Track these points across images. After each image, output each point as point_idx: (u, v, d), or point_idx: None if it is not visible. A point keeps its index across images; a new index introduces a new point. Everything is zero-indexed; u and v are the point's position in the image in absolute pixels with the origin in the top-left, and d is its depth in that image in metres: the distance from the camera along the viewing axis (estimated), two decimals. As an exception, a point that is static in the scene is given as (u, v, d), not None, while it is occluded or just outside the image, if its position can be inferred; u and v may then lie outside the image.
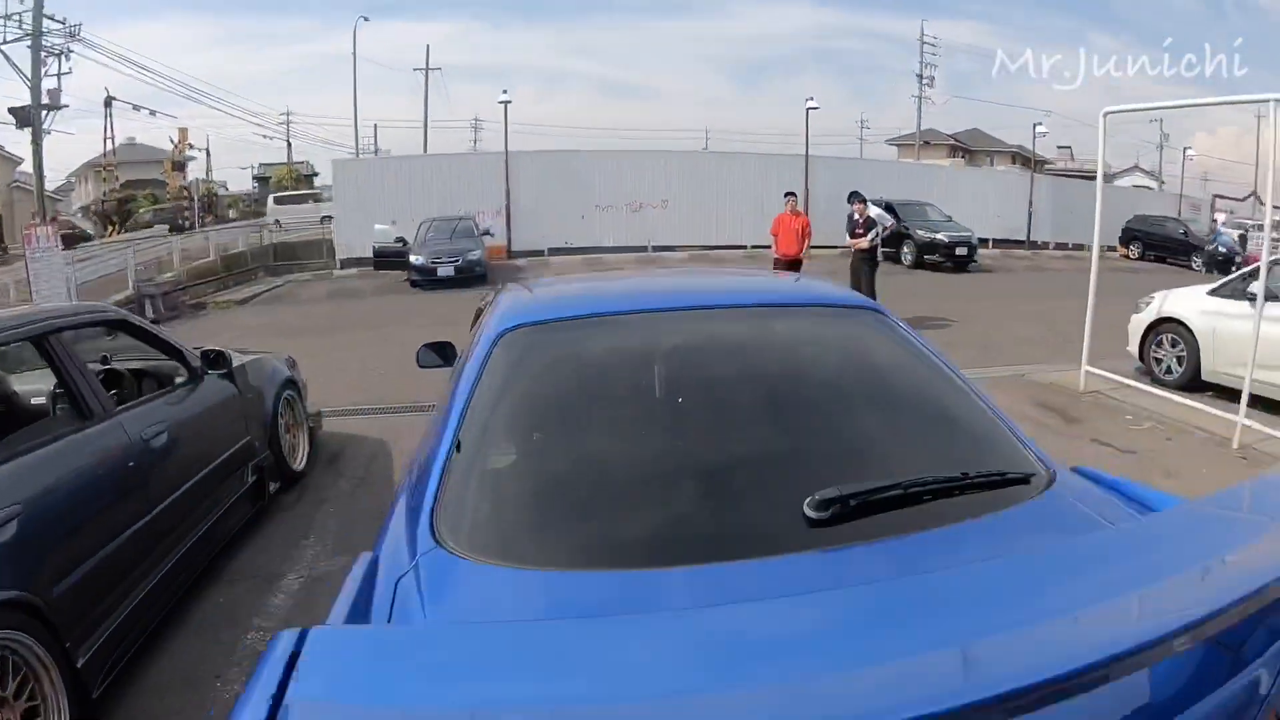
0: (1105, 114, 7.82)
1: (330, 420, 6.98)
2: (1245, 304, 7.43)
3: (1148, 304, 8.76)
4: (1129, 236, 26.30)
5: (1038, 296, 16.45)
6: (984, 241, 23.38)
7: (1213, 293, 8.07)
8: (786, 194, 13.06)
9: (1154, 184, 34.81)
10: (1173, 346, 8.36)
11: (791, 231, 12.18)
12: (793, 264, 12.12)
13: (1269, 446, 6.47)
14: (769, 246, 21.52)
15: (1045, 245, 27.76)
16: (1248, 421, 6.55)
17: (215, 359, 4.51)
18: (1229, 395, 7.66)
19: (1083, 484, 1.98)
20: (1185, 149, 35.15)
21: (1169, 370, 8.38)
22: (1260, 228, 32.70)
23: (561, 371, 2.41)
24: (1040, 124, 29.40)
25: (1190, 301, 8.26)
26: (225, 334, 12.89)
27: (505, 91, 25.25)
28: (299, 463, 5.72)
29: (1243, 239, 26.03)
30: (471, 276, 18.14)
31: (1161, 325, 8.47)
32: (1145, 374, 8.66)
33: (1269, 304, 6.98)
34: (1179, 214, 27.58)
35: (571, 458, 2.07)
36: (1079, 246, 27.88)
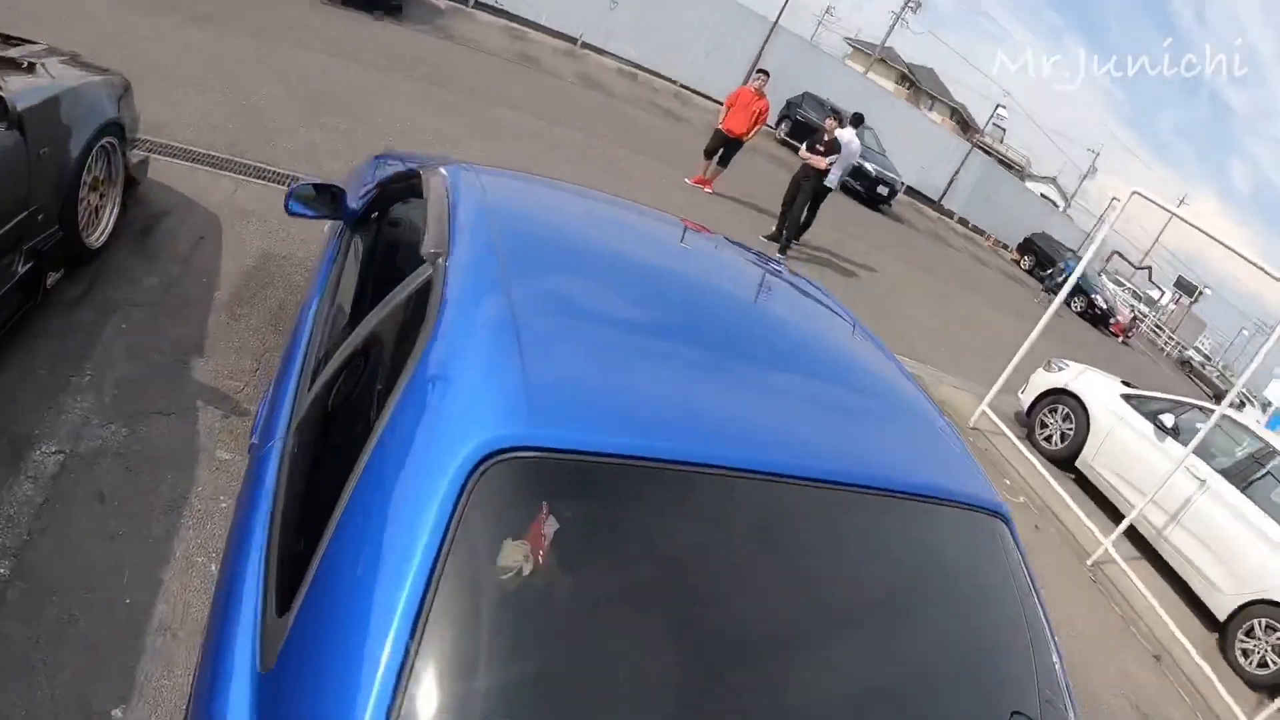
0: (1132, 193, 7.09)
1: (160, 165, 5.14)
2: (1149, 425, 7.38)
3: (1060, 368, 8.46)
4: (1028, 247, 26.79)
5: (938, 275, 16.20)
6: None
7: (1125, 397, 7.85)
8: (759, 70, 12.04)
9: (1060, 202, 35.27)
10: (1064, 421, 8.13)
11: (749, 110, 11.22)
12: (734, 142, 11.36)
13: (1111, 571, 6.60)
14: (705, 96, 19.90)
15: (951, 215, 27.68)
16: (1112, 550, 6.48)
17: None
18: (1088, 486, 7.96)
19: None
20: (1113, 199, 36.07)
21: (1050, 438, 8.25)
22: (1138, 296, 34.42)
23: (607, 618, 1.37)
24: (1003, 106, 28.58)
25: (1102, 392, 8.09)
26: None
27: None
28: (99, 235, 4.07)
29: (1134, 314, 27.22)
30: (387, 6, 15.25)
31: (1064, 396, 8.18)
32: (1024, 425, 8.50)
33: (1168, 441, 7.25)
34: (1078, 251, 28.11)
35: None
36: (979, 230, 28.21)
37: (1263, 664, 6.07)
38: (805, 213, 10.63)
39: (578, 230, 2.70)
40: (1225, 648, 6.35)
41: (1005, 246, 27.74)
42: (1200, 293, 39.32)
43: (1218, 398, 31.19)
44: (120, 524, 2.71)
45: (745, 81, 16.99)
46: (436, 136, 8.57)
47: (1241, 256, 6.32)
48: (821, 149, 10.44)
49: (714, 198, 11.54)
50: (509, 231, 2.18)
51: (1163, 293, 35.83)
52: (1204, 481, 6.83)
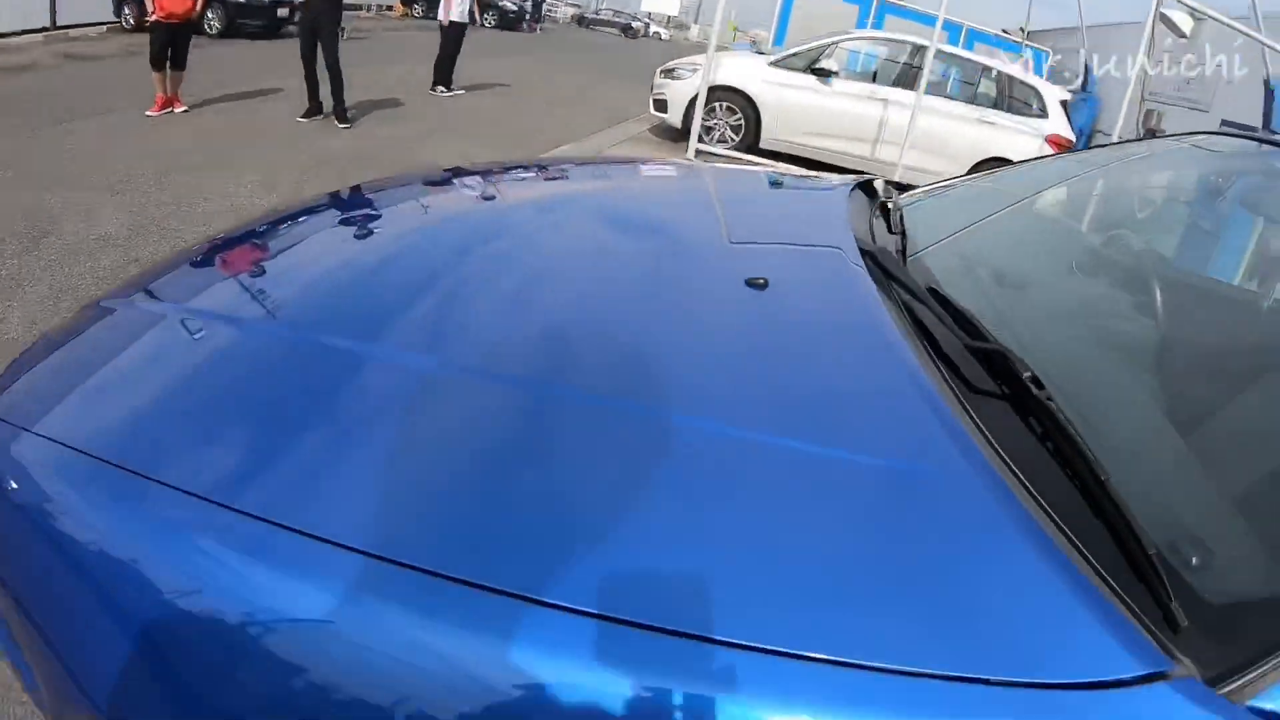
0: None
1: None
2: (809, 77, 7.83)
3: (692, 71, 8.26)
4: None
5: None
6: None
7: (775, 64, 8.06)
8: None
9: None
10: (730, 114, 8.21)
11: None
12: (182, 29, 6.80)
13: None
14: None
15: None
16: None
17: None
18: (791, 160, 8.15)
19: None
20: None
21: (722, 138, 8.27)
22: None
23: None
24: None
25: (751, 72, 8.21)
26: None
27: None
28: None
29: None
30: None
31: (716, 92, 8.12)
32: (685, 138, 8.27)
33: (824, 81, 7.89)
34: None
35: None
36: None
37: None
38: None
39: None
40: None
41: (389, 7, 24.61)
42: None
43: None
44: None
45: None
46: None
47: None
48: None
49: (194, 116, 7.01)
50: None
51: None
52: (887, 100, 7.48)
